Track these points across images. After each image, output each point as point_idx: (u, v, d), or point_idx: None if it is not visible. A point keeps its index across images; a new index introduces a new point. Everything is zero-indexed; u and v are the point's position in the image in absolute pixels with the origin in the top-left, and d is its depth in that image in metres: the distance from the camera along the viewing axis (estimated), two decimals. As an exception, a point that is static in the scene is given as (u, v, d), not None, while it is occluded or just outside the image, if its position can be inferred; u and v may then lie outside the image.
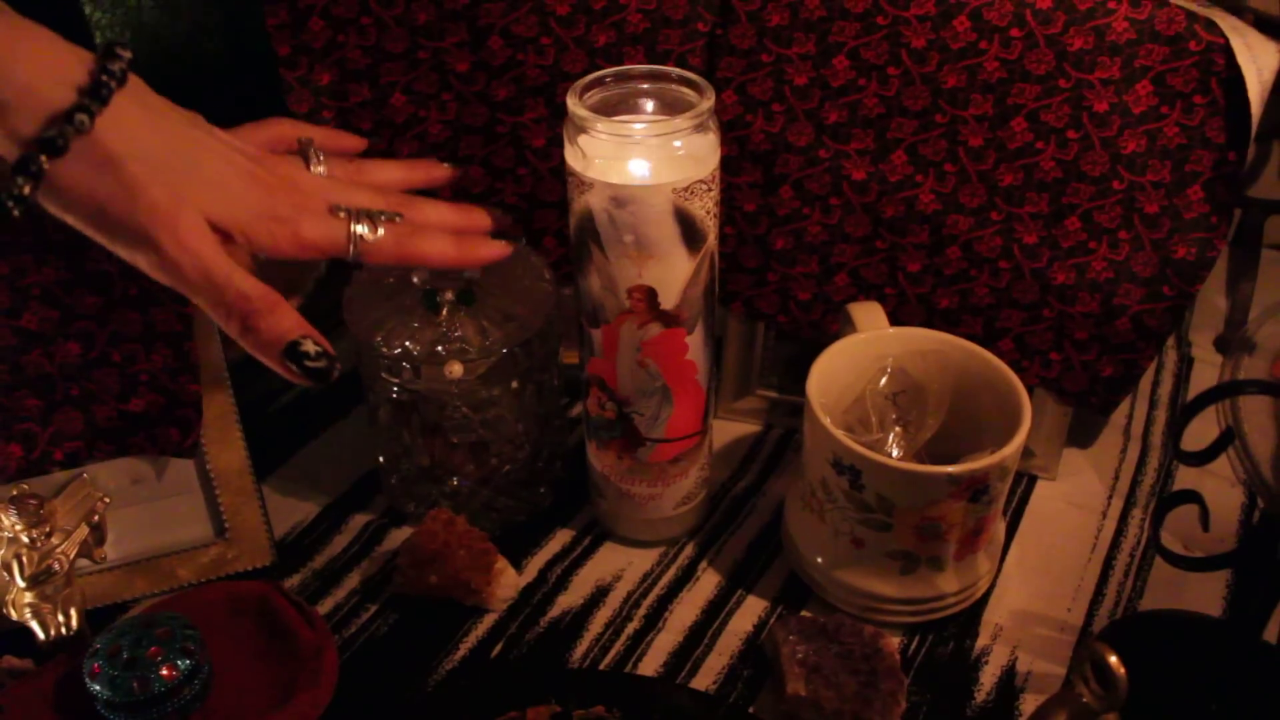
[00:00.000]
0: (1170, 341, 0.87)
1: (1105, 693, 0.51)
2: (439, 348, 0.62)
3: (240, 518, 0.66)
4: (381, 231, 0.55)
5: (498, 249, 0.59)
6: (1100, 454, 0.77)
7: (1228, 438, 0.51)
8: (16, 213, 0.48)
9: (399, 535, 0.70)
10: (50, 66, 0.48)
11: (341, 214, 0.55)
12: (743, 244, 0.71)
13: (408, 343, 0.62)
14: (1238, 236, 0.94)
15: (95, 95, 0.47)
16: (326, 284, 0.78)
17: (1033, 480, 0.74)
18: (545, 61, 0.69)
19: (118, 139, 0.48)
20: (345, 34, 0.69)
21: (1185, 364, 0.85)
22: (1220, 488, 0.75)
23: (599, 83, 0.57)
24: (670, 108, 0.58)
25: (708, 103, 0.56)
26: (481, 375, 0.63)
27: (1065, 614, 0.66)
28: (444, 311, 0.63)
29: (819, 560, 0.64)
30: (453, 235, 0.58)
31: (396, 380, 0.64)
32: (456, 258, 0.58)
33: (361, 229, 0.54)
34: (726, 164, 0.70)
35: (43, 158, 0.47)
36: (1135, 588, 0.68)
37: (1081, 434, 0.77)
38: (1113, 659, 0.51)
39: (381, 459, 0.70)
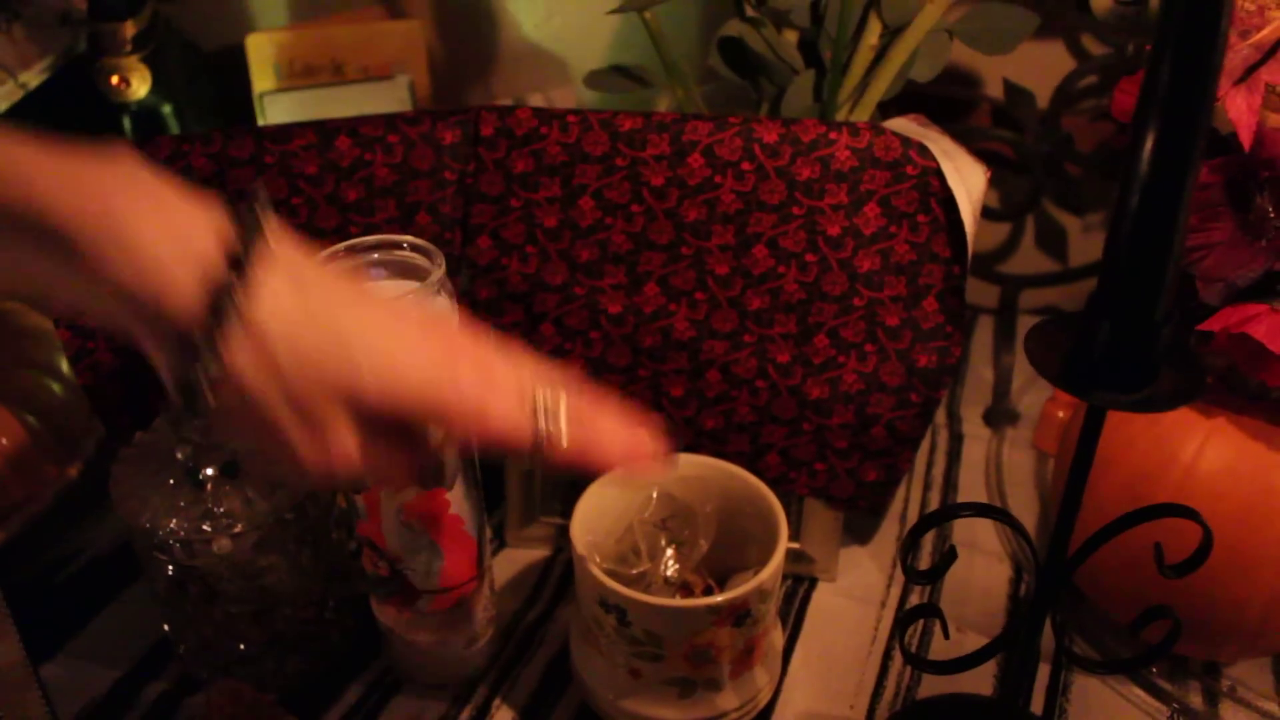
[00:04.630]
0: (941, 419, 0.92)
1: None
2: (205, 525, 0.62)
3: (18, 712, 0.65)
4: (568, 431, 0.45)
5: (668, 465, 0.49)
6: (879, 545, 0.80)
7: (950, 556, 0.54)
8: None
9: (195, 703, 0.69)
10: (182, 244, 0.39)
11: (528, 398, 0.44)
12: (512, 380, 0.73)
13: (173, 522, 0.62)
14: (999, 309, 0.99)
15: (219, 316, 0.40)
16: (100, 457, 0.77)
17: (814, 582, 0.77)
18: (298, 220, 0.70)
19: (250, 358, 0.40)
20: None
21: (956, 441, 0.89)
22: (990, 564, 0.79)
23: (330, 258, 0.58)
24: (405, 273, 0.59)
25: (438, 270, 0.57)
26: (254, 545, 0.64)
27: (849, 711, 0.69)
28: (208, 487, 0.63)
29: (604, 691, 0.66)
30: (627, 442, 0.47)
31: (169, 559, 0.64)
32: (631, 473, 0.48)
33: (545, 430, 0.44)
34: (489, 305, 0.72)
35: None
36: (914, 676, 0.71)
37: (860, 529, 0.81)
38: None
39: (167, 628, 0.70)
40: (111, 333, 0.42)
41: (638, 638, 0.62)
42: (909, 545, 0.55)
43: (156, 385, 0.71)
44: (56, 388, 0.81)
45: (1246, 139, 0.58)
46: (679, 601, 0.61)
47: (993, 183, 0.98)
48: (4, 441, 0.76)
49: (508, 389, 0.44)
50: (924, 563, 0.79)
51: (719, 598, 0.60)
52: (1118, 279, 0.46)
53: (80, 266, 0.39)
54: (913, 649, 0.72)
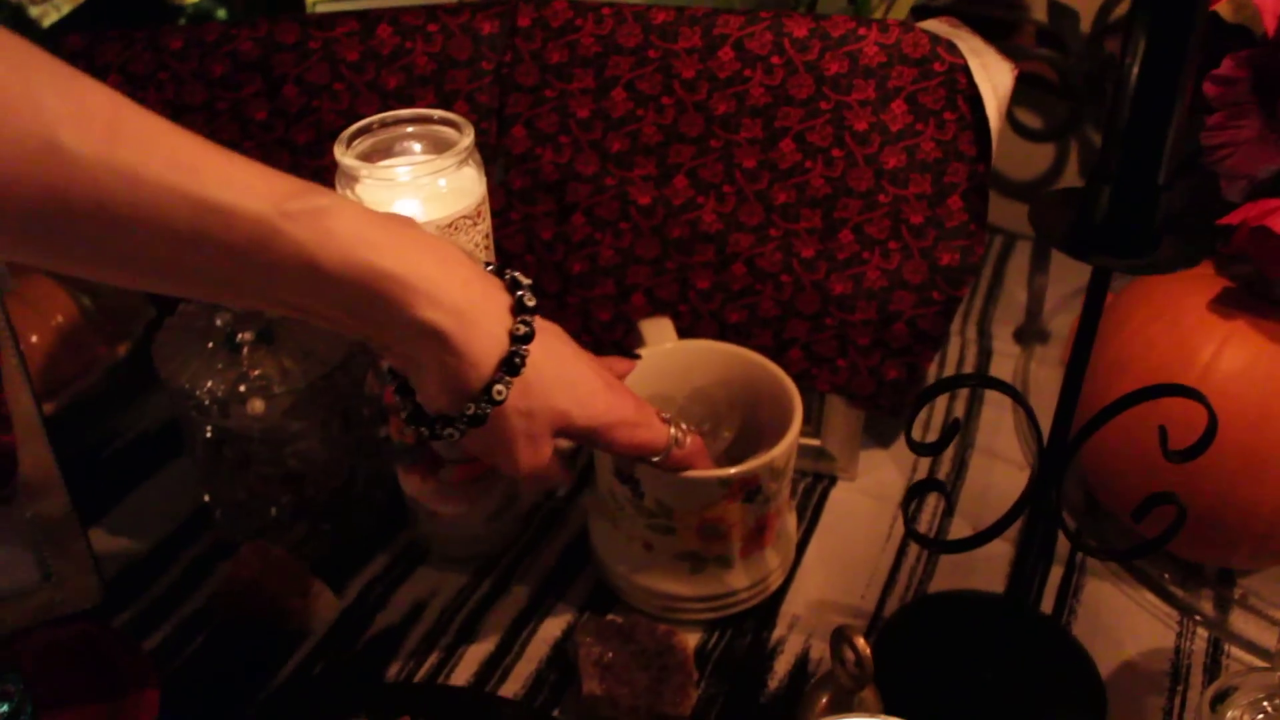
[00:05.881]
0: (972, 335, 0.92)
1: (858, 672, 0.55)
2: (241, 387, 0.65)
3: (65, 562, 0.68)
4: (689, 440, 0.61)
5: None
6: (900, 449, 0.81)
7: (954, 428, 0.55)
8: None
9: (228, 565, 0.72)
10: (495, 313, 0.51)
11: (666, 419, 0.60)
12: (543, 270, 0.75)
13: (210, 383, 0.65)
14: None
15: (511, 367, 0.51)
16: (148, 338, 0.80)
17: (834, 480, 0.79)
18: (340, 106, 0.72)
19: (517, 396, 0.52)
20: (145, 90, 0.71)
21: (985, 356, 0.90)
22: (1009, 470, 0.80)
23: (366, 130, 0.61)
24: (437, 147, 0.61)
25: (467, 139, 0.59)
26: (286, 410, 0.66)
27: (859, 601, 0.71)
28: (245, 351, 0.66)
29: (617, 565, 0.68)
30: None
31: (206, 420, 0.67)
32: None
33: (676, 435, 0.60)
34: (522, 194, 0.73)
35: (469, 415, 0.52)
36: (926, 570, 0.72)
37: (883, 433, 0.82)
38: (859, 642, 0.55)
39: (206, 496, 0.73)
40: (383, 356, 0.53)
41: (650, 509, 0.63)
42: (913, 413, 0.56)
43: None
44: (110, 271, 0.84)
45: (1271, 24, 0.58)
46: (690, 473, 0.62)
47: (1034, 104, 0.98)
48: (59, 319, 0.79)
49: (652, 415, 0.60)
50: (943, 469, 0.80)
51: (730, 470, 0.62)
52: (1119, 143, 0.46)
53: (392, 313, 0.48)
54: (924, 553, 0.73)
